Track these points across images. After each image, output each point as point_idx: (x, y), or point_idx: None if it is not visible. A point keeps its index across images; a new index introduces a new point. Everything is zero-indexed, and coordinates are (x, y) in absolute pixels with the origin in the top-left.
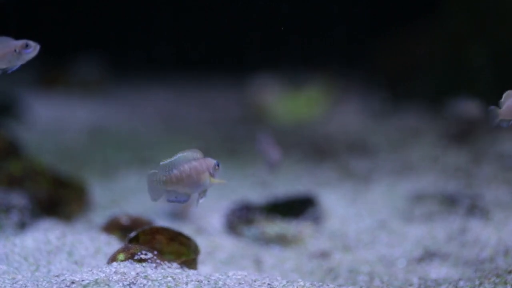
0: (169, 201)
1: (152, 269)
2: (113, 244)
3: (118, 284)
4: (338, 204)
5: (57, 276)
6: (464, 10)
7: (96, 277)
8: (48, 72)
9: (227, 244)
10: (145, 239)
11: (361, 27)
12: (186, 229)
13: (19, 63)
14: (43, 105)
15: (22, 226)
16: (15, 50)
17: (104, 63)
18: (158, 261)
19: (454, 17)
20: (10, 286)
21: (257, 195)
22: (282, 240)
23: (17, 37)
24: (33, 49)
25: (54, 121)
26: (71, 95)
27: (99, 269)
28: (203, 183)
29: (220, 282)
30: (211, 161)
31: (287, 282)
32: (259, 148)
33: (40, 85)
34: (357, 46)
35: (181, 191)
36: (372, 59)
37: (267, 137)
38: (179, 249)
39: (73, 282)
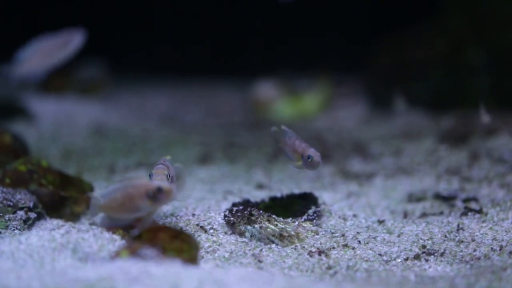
0: (103, 226)
1: (154, 266)
2: (116, 241)
3: (121, 281)
4: (337, 203)
5: (61, 273)
6: (463, 12)
7: (100, 274)
8: (51, 75)
9: (228, 242)
10: (148, 237)
11: (360, 29)
12: (187, 228)
13: (67, 53)
14: (47, 108)
15: (27, 224)
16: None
17: (107, 67)
18: (160, 258)
19: (453, 19)
20: (16, 283)
21: (257, 195)
22: (282, 238)
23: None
24: (77, 39)
25: (58, 123)
26: (75, 97)
27: (103, 266)
28: (140, 209)
29: (221, 279)
30: (151, 186)
31: (287, 279)
32: (287, 143)
33: (44, 88)
34: (356, 47)
35: (118, 217)
36: (371, 60)
37: (292, 132)
38: (181, 247)
39: (77, 279)
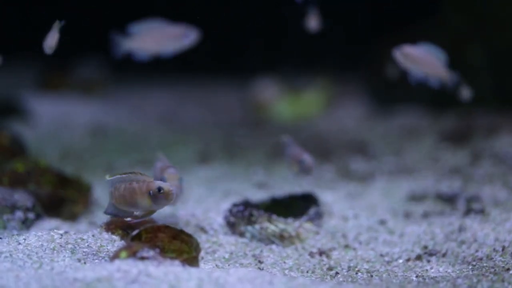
0: (106, 213)
1: (154, 267)
2: (116, 242)
3: (120, 281)
4: (337, 203)
5: (60, 273)
6: (463, 12)
7: (99, 275)
8: (50, 75)
9: (228, 243)
10: (147, 237)
11: (360, 28)
12: (187, 228)
13: (177, 49)
14: (46, 107)
15: (26, 225)
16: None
17: (106, 65)
18: (160, 259)
19: (453, 19)
20: (14, 283)
21: (257, 195)
22: (282, 239)
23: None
24: (191, 37)
25: (56, 123)
26: (73, 97)
27: (102, 267)
28: (139, 206)
29: (221, 280)
30: (153, 185)
31: (288, 279)
32: (287, 153)
33: (42, 87)
34: (356, 47)
35: (122, 207)
36: (371, 60)
37: (292, 141)
38: (181, 247)
39: (75, 280)
